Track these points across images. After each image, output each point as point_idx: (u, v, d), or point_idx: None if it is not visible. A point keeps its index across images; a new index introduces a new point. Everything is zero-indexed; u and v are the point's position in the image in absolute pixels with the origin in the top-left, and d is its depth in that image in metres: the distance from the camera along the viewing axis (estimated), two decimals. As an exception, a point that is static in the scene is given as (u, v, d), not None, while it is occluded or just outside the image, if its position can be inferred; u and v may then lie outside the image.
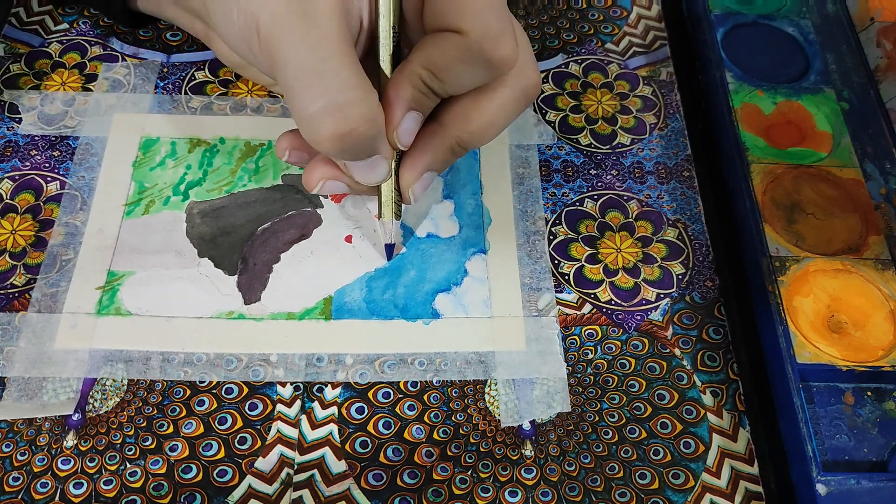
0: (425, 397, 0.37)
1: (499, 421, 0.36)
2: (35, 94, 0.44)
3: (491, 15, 0.31)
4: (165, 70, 0.46)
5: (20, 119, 0.43)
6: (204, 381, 0.36)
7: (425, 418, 0.36)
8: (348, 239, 0.41)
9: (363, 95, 0.31)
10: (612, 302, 0.40)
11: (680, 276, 0.40)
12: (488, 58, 0.32)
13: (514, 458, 0.35)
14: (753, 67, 0.46)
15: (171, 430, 0.35)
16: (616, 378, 0.38)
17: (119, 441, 0.35)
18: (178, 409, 0.36)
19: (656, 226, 0.42)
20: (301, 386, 0.37)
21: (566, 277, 0.40)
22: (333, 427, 0.36)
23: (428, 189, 0.37)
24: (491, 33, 0.31)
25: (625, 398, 0.37)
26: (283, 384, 0.37)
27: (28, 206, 0.41)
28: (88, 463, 0.34)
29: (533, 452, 0.36)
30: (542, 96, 0.46)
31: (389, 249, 0.40)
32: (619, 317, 0.39)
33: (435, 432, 0.36)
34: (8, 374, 0.36)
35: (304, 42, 0.31)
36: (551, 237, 0.41)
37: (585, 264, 0.41)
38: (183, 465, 0.35)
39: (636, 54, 0.49)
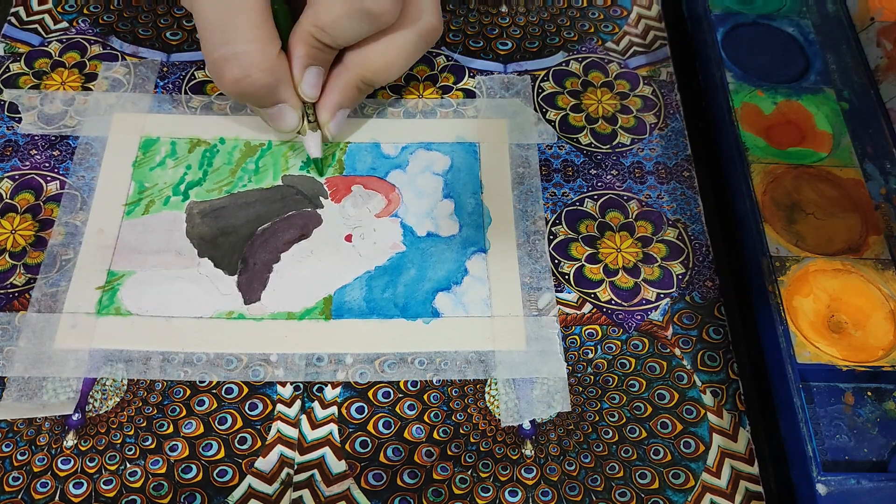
0: (425, 397, 0.37)
1: (499, 420, 0.36)
2: (35, 93, 0.44)
3: None
4: (165, 69, 0.46)
5: (20, 118, 0.43)
6: (204, 381, 0.36)
7: (425, 418, 0.36)
8: (348, 238, 0.41)
9: (260, 46, 0.36)
10: (613, 302, 0.40)
11: (680, 276, 0.40)
12: (367, 11, 0.36)
13: (515, 457, 0.35)
14: (753, 67, 0.46)
15: (171, 430, 0.35)
16: (616, 378, 0.38)
17: (119, 441, 0.35)
18: (178, 409, 0.36)
19: (656, 226, 0.42)
20: (301, 386, 0.37)
21: (566, 277, 0.40)
22: (333, 427, 0.36)
23: (342, 126, 0.42)
24: None
25: (625, 398, 0.37)
26: (283, 384, 0.37)
27: (28, 205, 0.41)
28: (88, 463, 0.34)
29: (533, 452, 0.36)
30: (542, 95, 0.46)
31: (318, 163, 0.42)
32: (620, 316, 0.39)
33: (435, 432, 0.36)
34: (8, 374, 0.36)
35: None
36: (551, 237, 0.41)
37: (585, 264, 0.41)
38: (183, 465, 0.35)
39: (636, 54, 0.49)
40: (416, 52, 0.41)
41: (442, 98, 0.46)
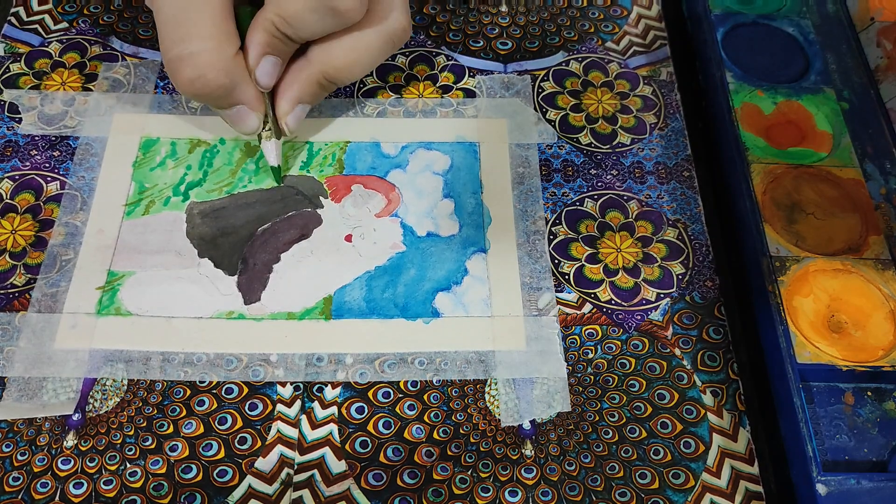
0: (425, 397, 0.37)
1: (499, 420, 0.36)
2: (35, 93, 0.44)
3: None
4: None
5: (20, 119, 0.43)
6: (204, 381, 0.37)
7: (425, 418, 0.36)
8: (348, 238, 0.41)
9: (215, 46, 0.36)
10: (613, 302, 0.40)
11: (680, 276, 0.40)
12: (333, 7, 0.35)
13: (515, 457, 0.35)
14: (753, 67, 0.46)
15: (171, 430, 0.35)
16: (616, 378, 0.38)
17: (119, 441, 0.35)
18: (178, 409, 0.36)
19: (656, 226, 0.42)
20: (301, 386, 0.37)
21: (566, 277, 0.40)
22: (333, 427, 0.36)
23: (301, 121, 0.41)
24: None
25: (625, 398, 0.37)
26: (283, 384, 0.37)
27: (28, 205, 0.41)
28: (88, 463, 0.34)
29: (533, 452, 0.36)
30: (542, 94, 0.46)
31: (276, 172, 0.42)
32: (620, 316, 0.39)
33: (435, 432, 0.36)
34: (8, 374, 0.36)
35: None
36: (551, 237, 0.41)
37: (585, 264, 0.41)
38: (183, 465, 0.35)
39: (636, 54, 0.49)
40: (382, 53, 0.40)
41: (442, 97, 0.46)
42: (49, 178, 0.41)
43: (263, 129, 0.40)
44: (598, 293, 0.40)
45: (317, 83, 0.40)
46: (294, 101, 0.40)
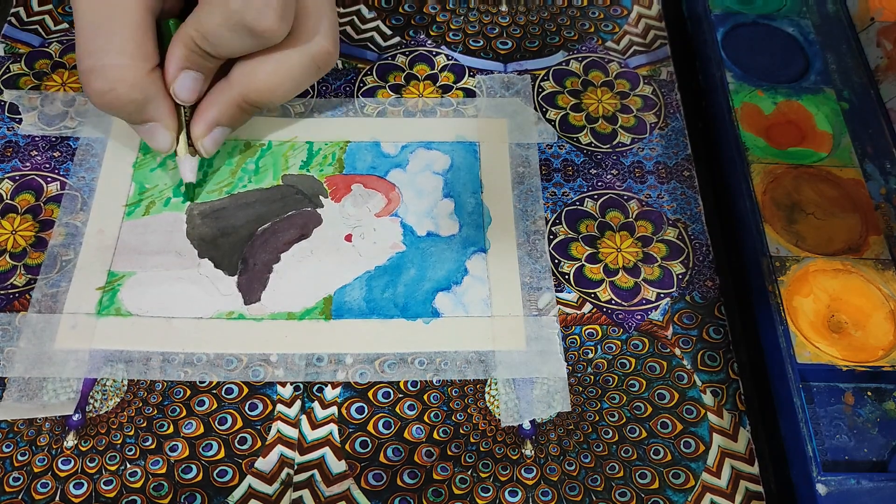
0: (425, 397, 0.37)
1: (499, 420, 0.36)
2: (35, 94, 0.44)
3: None
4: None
5: (20, 119, 0.43)
6: (204, 382, 0.37)
7: (425, 418, 0.36)
8: (348, 238, 0.41)
9: (129, 61, 0.35)
10: (613, 301, 0.40)
11: (680, 276, 0.40)
12: (250, 27, 0.35)
13: (515, 457, 0.35)
14: (753, 67, 0.46)
15: (171, 430, 0.35)
16: (616, 378, 0.38)
17: (119, 441, 0.35)
18: (178, 410, 0.36)
19: (656, 225, 0.42)
20: (301, 386, 0.37)
21: (566, 277, 0.40)
22: (333, 427, 0.36)
23: (219, 144, 0.40)
24: (254, 4, 0.34)
25: (625, 398, 0.37)
26: (283, 384, 0.37)
27: (28, 206, 0.41)
28: (89, 463, 0.34)
29: (533, 452, 0.36)
30: (542, 94, 0.46)
31: (190, 188, 0.41)
32: (620, 316, 0.39)
33: (435, 432, 0.36)
34: (8, 375, 0.36)
35: (94, 1, 0.35)
36: (551, 236, 0.41)
37: (586, 264, 0.41)
38: (183, 466, 0.35)
39: (636, 53, 0.49)
40: (306, 76, 0.39)
41: (442, 97, 0.46)
42: (49, 179, 0.42)
43: (178, 145, 0.39)
44: (598, 293, 0.40)
45: (237, 106, 0.39)
46: (211, 124, 0.39)
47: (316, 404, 0.36)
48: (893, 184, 0.41)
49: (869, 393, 0.37)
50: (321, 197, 0.42)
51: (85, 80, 0.36)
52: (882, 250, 0.40)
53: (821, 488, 0.33)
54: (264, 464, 0.35)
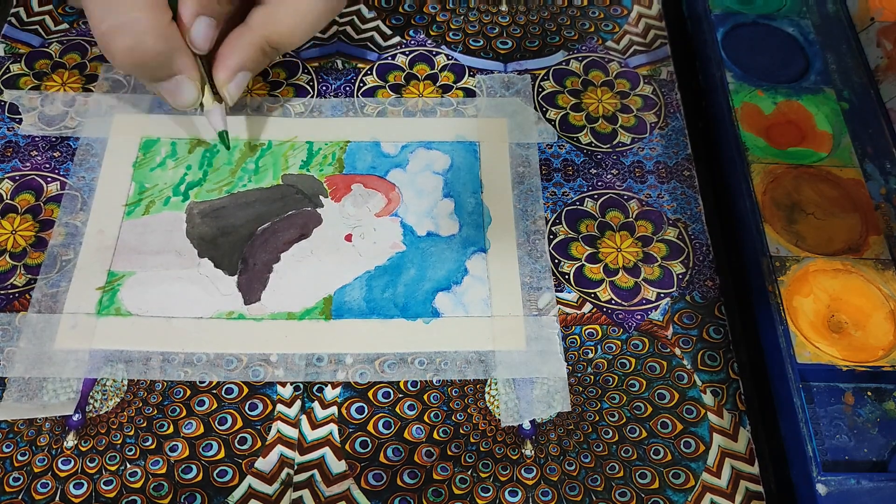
0: (425, 397, 0.37)
1: (499, 420, 0.36)
2: (35, 94, 0.44)
3: None
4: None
5: (20, 119, 0.43)
6: (204, 382, 0.37)
7: (425, 418, 0.36)
8: (348, 238, 0.41)
9: (150, 13, 0.35)
10: (613, 301, 0.40)
11: (680, 276, 0.40)
12: None
13: (515, 457, 0.35)
14: (753, 67, 0.46)
15: (171, 430, 0.35)
16: (616, 377, 0.38)
17: (119, 441, 0.35)
18: (178, 410, 0.36)
19: (656, 225, 0.42)
20: (301, 386, 0.37)
21: (566, 277, 0.40)
22: (333, 427, 0.36)
23: (243, 89, 0.40)
24: None
25: (625, 398, 0.37)
26: (283, 384, 0.37)
27: (28, 206, 0.41)
28: (89, 463, 0.34)
29: (533, 452, 0.36)
30: (542, 94, 0.46)
31: (224, 137, 0.41)
32: (620, 316, 0.39)
33: (435, 432, 0.36)
34: (8, 375, 0.36)
35: None
36: (551, 236, 0.41)
37: (586, 264, 0.41)
38: (183, 466, 0.35)
39: (637, 53, 0.48)
40: (322, 18, 0.39)
41: (442, 97, 0.46)
42: (49, 179, 0.41)
43: (203, 96, 0.39)
44: (598, 293, 0.40)
45: (259, 49, 0.39)
46: (235, 69, 0.39)
47: (316, 404, 0.36)
48: (893, 184, 0.41)
49: (869, 393, 0.37)
50: (321, 197, 0.42)
51: (107, 42, 0.35)
52: (882, 250, 0.40)
53: (821, 488, 0.33)
54: (264, 464, 0.35)
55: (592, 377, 0.38)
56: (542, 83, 0.47)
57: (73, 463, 0.34)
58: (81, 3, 0.36)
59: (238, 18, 0.39)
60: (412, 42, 0.48)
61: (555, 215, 0.42)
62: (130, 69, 0.37)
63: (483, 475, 0.35)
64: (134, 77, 0.45)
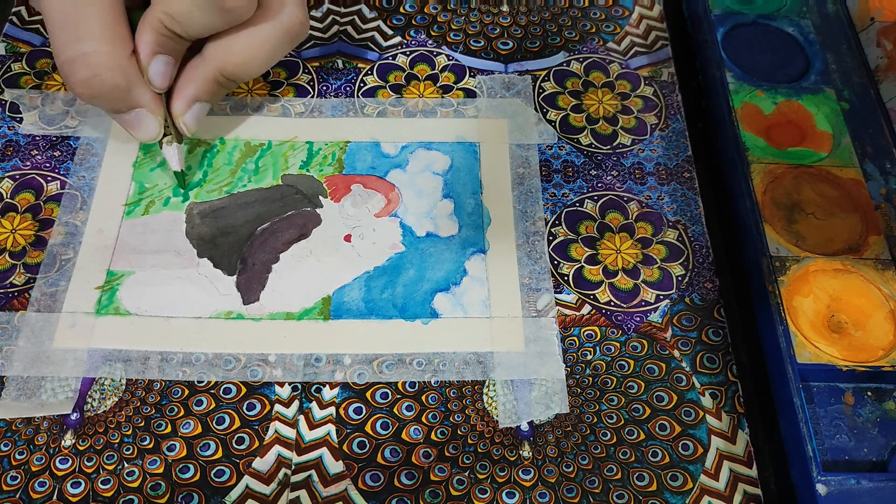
0: (423, 398, 0.37)
1: (497, 422, 0.36)
2: (36, 93, 0.44)
3: None
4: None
5: (21, 119, 0.43)
6: (202, 381, 0.37)
7: (423, 419, 0.36)
8: (347, 238, 0.41)
9: (109, 47, 0.35)
10: (612, 303, 0.39)
11: (679, 278, 0.40)
12: (219, 4, 0.35)
13: (512, 459, 0.35)
14: (753, 67, 0.46)
15: (169, 429, 0.35)
16: (615, 379, 0.37)
17: (117, 440, 0.35)
18: (176, 409, 0.36)
19: (656, 227, 0.42)
20: (299, 386, 0.37)
21: (565, 278, 0.40)
22: (331, 427, 0.36)
23: (201, 120, 0.40)
24: None
25: (623, 399, 0.37)
26: (282, 384, 0.37)
27: (28, 205, 0.41)
28: (86, 462, 0.34)
29: (531, 453, 0.35)
30: (542, 95, 0.46)
31: (180, 177, 0.41)
32: (619, 318, 0.39)
33: (433, 433, 0.36)
34: (6, 373, 0.36)
35: None
36: (551, 238, 0.41)
37: (585, 265, 0.40)
38: (181, 465, 0.35)
39: (638, 54, 0.48)
40: (280, 48, 0.39)
41: (442, 97, 0.46)
42: (49, 178, 0.42)
43: (164, 134, 0.39)
44: (597, 294, 0.40)
45: (214, 80, 0.39)
46: (191, 100, 0.39)
47: (314, 405, 0.36)
48: (893, 184, 0.41)
49: (869, 393, 0.37)
50: (321, 197, 0.42)
51: (66, 72, 0.35)
52: (882, 250, 0.39)
53: (821, 488, 0.33)
54: (262, 464, 0.35)
55: (591, 379, 0.37)
56: (542, 84, 0.47)
57: (70, 462, 0.34)
58: (46, 28, 0.36)
59: (195, 47, 0.39)
60: (413, 42, 0.48)
61: (554, 216, 0.42)
62: (89, 100, 0.37)
63: (481, 476, 0.35)
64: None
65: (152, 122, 0.38)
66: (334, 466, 0.35)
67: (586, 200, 0.43)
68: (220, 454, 0.35)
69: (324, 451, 0.35)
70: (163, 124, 0.39)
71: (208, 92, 0.39)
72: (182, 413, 0.36)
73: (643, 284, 0.40)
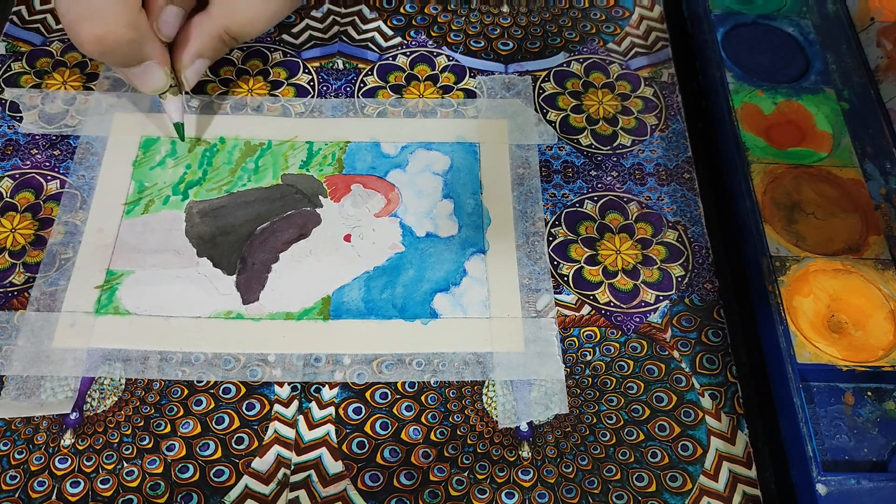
0: (423, 398, 0.37)
1: (496, 422, 0.36)
2: (36, 92, 0.44)
3: None
4: (166, 70, 0.46)
5: (21, 118, 0.43)
6: (201, 381, 0.36)
7: (423, 419, 0.36)
8: (347, 238, 0.41)
9: (119, 3, 0.35)
10: (611, 304, 0.39)
11: (679, 279, 0.40)
12: None
13: (512, 459, 0.35)
14: (753, 67, 0.46)
15: (168, 429, 0.35)
16: (614, 380, 0.37)
17: (116, 440, 0.35)
18: (175, 409, 0.36)
19: (656, 228, 0.42)
20: (299, 386, 0.37)
21: (565, 279, 0.40)
22: (330, 427, 0.36)
23: (200, 75, 0.41)
24: None
25: (623, 400, 0.37)
26: (281, 384, 0.37)
27: (28, 204, 0.41)
28: (85, 462, 0.34)
29: (530, 454, 0.35)
30: (543, 95, 0.46)
31: (180, 129, 0.42)
32: (618, 319, 0.39)
33: (432, 433, 0.36)
34: (6, 373, 0.36)
35: None
36: (551, 238, 0.41)
37: (585, 266, 0.40)
38: (180, 465, 0.35)
39: (638, 55, 0.48)
40: (283, 8, 0.40)
41: (442, 98, 0.46)
42: (49, 177, 0.42)
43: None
44: (596, 295, 0.40)
45: (218, 37, 0.40)
46: (194, 55, 0.40)
47: (313, 405, 0.36)
48: (893, 184, 0.41)
49: (869, 393, 0.37)
50: (321, 197, 0.42)
51: (76, 30, 0.35)
52: (882, 250, 0.39)
53: (821, 488, 0.33)
54: (261, 464, 0.35)
55: (590, 379, 0.37)
56: (542, 85, 0.47)
57: (69, 461, 0.34)
58: None
59: (199, 4, 0.40)
60: (413, 43, 0.48)
61: (554, 217, 0.42)
62: (100, 56, 0.37)
63: (480, 477, 0.35)
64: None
65: (160, 74, 0.39)
66: (334, 466, 0.35)
67: (586, 201, 0.43)
68: (219, 454, 0.35)
69: (323, 451, 0.35)
70: (170, 75, 0.39)
71: (212, 49, 0.40)
72: (181, 413, 0.36)
73: (643, 285, 0.40)
